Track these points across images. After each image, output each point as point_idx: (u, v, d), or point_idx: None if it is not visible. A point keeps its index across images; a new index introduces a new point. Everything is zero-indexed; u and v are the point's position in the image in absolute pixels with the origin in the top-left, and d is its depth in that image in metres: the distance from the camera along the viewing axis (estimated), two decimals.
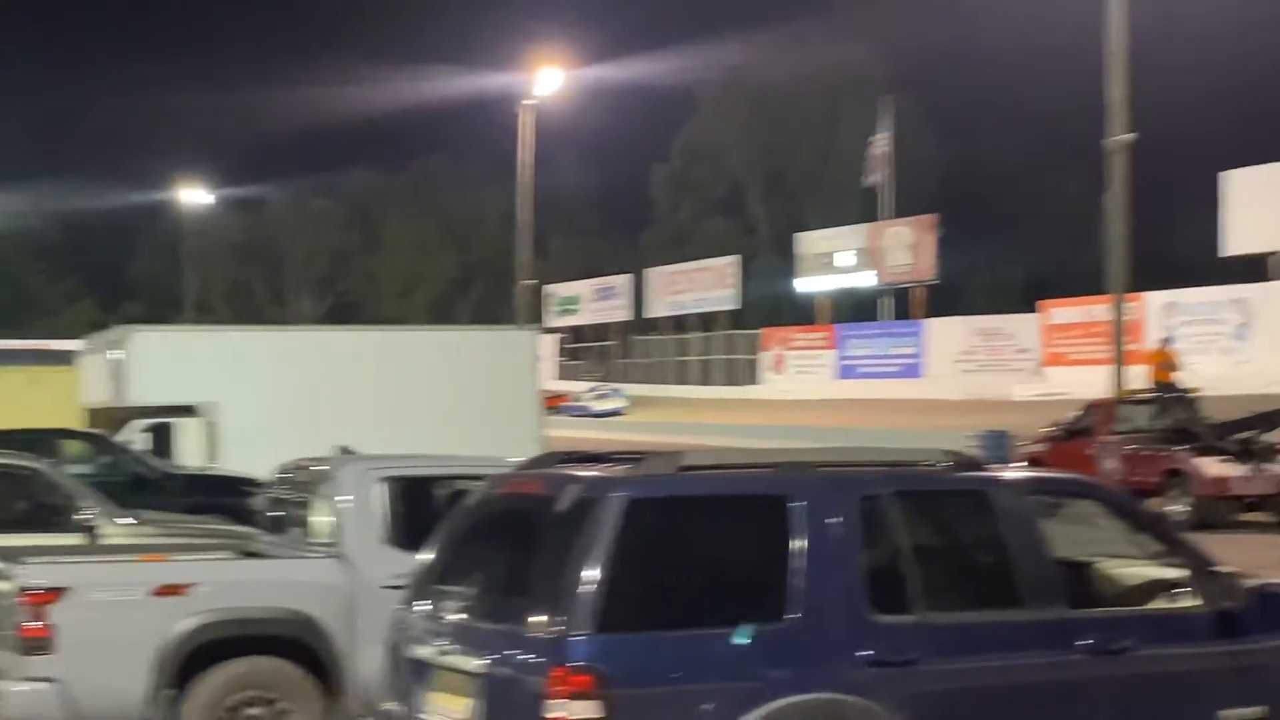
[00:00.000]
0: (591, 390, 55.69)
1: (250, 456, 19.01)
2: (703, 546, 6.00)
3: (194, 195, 72.55)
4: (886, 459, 6.65)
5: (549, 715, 5.50)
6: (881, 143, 57.77)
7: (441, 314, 76.33)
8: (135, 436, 19.95)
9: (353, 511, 8.46)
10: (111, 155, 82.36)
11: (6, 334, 55.44)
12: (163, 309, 71.81)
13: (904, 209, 57.33)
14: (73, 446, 17.83)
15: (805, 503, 6.00)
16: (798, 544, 5.95)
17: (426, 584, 6.49)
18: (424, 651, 6.19)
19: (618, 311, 72.65)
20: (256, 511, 17.00)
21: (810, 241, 61.82)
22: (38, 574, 7.81)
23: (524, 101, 44.95)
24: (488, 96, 55.18)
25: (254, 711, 7.97)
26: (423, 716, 6.15)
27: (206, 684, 7.87)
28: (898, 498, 6.25)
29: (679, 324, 68.36)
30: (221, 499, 16.85)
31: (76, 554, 9.12)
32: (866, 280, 58.36)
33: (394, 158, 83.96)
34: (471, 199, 79.19)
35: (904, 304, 56.95)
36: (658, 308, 70.25)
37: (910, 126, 61.61)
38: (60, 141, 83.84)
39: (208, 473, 18.96)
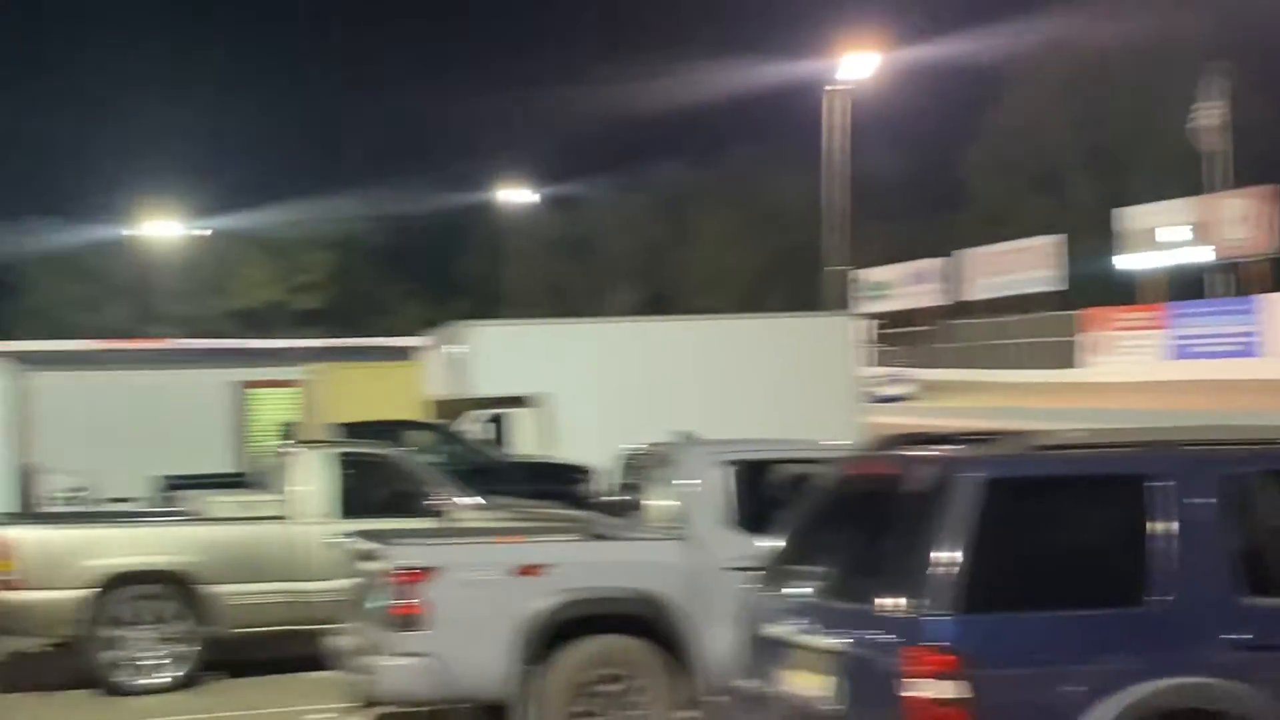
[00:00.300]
0: (879, 375, 55.01)
1: (581, 445, 19.69)
2: (1060, 527, 5.93)
3: (515, 194, 75.31)
4: (1254, 437, 6.41)
5: (909, 694, 5.55)
6: (1212, 112, 55.00)
7: (752, 303, 76.74)
8: (472, 426, 20.90)
9: (696, 495, 8.68)
10: (439, 159, 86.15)
11: (347, 333, 58.74)
12: (487, 305, 74.67)
13: (1236, 179, 54.45)
14: (417, 437, 18.78)
15: (1170, 482, 5.87)
16: (1161, 524, 5.83)
17: (780, 565, 6.61)
18: (780, 631, 6.32)
19: (931, 295, 71.51)
20: (586, 497, 17.64)
21: (1134, 217, 59.37)
22: (409, 554, 8.30)
23: (828, 87, 44.81)
24: (796, 83, 55.23)
25: (609, 688, 8.27)
26: (781, 693, 6.28)
27: (565, 661, 8.21)
28: (1268, 476, 6.04)
29: (996, 307, 66.78)
30: (552, 486, 17.53)
31: (441, 536, 9.65)
32: (1197, 255, 55.68)
33: (706, 149, 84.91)
34: (781, 186, 79.33)
35: (1240, 279, 54.10)
36: (973, 290, 68.80)
37: (1240, 93, 58.40)
38: (391, 148, 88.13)
39: (539, 460, 19.69)
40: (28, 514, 14.31)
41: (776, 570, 6.63)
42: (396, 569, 8.15)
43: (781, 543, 6.76)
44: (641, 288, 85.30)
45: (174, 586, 11.25)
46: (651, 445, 9.56)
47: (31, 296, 72.26)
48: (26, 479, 17.98)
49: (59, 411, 19.93)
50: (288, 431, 21.33)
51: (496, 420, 21.23)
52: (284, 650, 11.61)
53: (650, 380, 21.68)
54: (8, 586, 11.01)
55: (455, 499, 12.05)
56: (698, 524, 8.61)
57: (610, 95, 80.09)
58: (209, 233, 73.48)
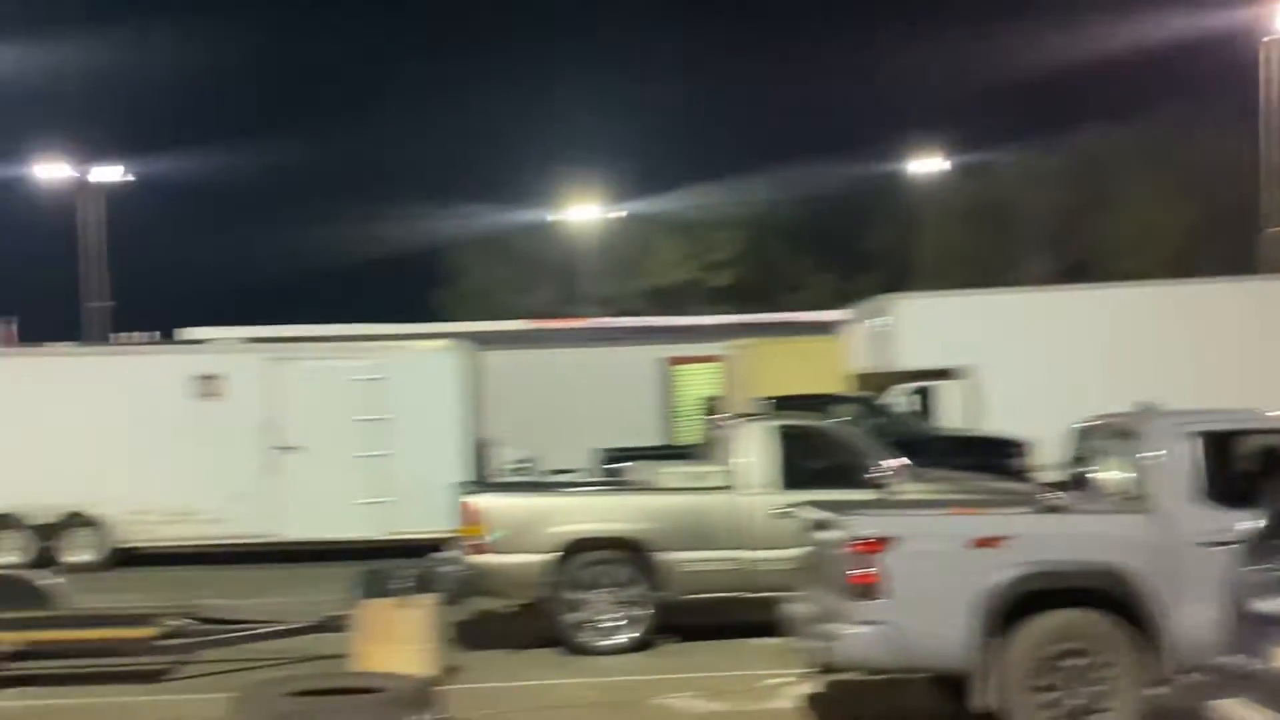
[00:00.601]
0: None
1: (1009, 417, 19.29)
2: None
3: (926, 164, 74.25)
4: None
5: None
6: None
7: (1179, 268, 72.65)
8: (897, 399, 20.81)
9: (1162, 466, 8.37)
10: (848, 131, 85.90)
11: (758, 309, 59.57)
12: (897, 278, 73.90)
13: None
14: (843, 410, 18.87)
15: None
16: None
17: (1268, 539, 6.32)
18: (1273, 607, 6.04)
19: None
20: (1022, 470, 17.24)
21: None
22: (867, 524, 8.37)
23: (1267, 38, 41.90)
24: (1228, 34, 51.89)
25: (1073, 663, 8.10)
26: (1274, 671, 6.00)
27: (1027, 634, 8.09)
28: None
29: None
30: (988, 459, 17.24)
31: (894, 507, 9.68)
32: None
33: (1128, 107, 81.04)
34: (1212, 145, 74.85)
35: None
36: None
37: None
38: (798, 123, 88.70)
39: (973, 433, 19.39)
40: (494, 483, 15.25)
41: (1264, 545, 6.34)
42: (854, 539, 8.24)
43: (1264, 516, 6.45)
44: (1058, 254, 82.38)
45: (629, 552, 11.75)
46: (1106, 416, 9.27)
47: (468, 279, 76.88)
48: (480, 451, 19.21)
49: (505, 388, 21.20)
50: (710, 406, 21.92)
51: (922, 393, 21.07)
52: (729, 617, 11.96)
53: (1085, 349, 21.00)
54: (480, 550, 11.80)
55: (888, 462, 12.10)
56: (1164, 497, 8.30)
57: (1024, 55, 77.45)
58: (624, 215, 76.10)
